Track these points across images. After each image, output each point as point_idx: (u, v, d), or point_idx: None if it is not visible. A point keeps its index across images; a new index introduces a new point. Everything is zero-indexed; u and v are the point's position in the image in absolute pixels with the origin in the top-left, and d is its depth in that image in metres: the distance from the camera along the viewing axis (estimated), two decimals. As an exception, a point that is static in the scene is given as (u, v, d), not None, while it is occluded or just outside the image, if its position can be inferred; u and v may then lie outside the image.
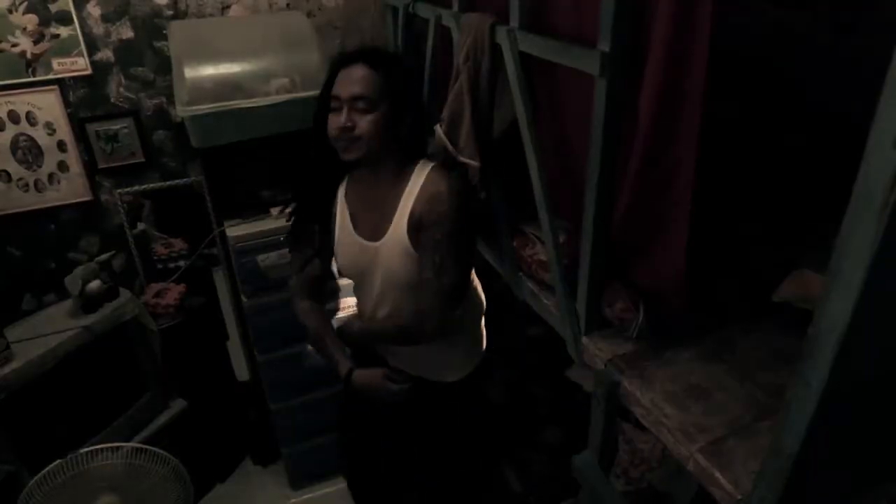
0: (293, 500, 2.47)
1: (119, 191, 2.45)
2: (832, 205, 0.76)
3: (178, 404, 2.38)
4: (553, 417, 2.29)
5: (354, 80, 1.28)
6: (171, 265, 2.47)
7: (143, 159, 2.46)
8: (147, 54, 2.34)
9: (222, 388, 2.54)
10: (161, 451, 1.75)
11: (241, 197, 2.17)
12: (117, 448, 1.73)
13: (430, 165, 1.38)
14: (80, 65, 2.25)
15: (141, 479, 1.72)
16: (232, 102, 1.96)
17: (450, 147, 1.57)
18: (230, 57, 2.04)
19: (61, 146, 2.33)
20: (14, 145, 2.27)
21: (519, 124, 1.38)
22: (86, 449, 1.69)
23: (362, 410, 1.63)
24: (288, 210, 1.51)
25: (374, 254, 1.39)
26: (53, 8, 2.15)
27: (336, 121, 1.28)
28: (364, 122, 1.27)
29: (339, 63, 1.32)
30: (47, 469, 1.62)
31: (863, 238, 0.61)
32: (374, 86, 1.28)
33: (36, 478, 1.61)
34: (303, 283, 1.51)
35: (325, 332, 1.47)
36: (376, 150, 1.30)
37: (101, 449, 1.70)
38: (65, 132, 2.32)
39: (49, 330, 1.98)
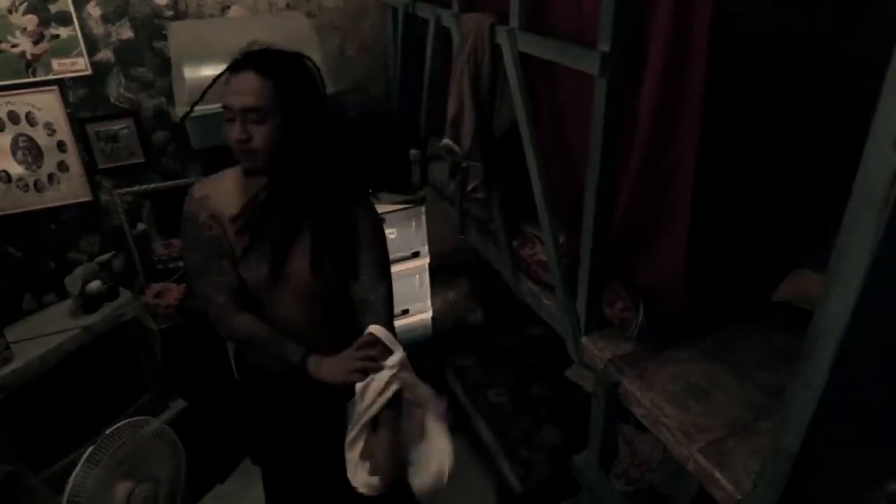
0: (293, 501, 2.47)
1: (119, 191, 2.44)
2: (832, 205, 0.76)
3: (178, 404, 2.38)
4: (553, 417, 2.28)
5: (245, 90, 1.22)
6: (171, 265, 2.47)
7: (143, 159, 2.46)
8: (147, 55, 2.34)
9: (222, 388, 2.54)
10: (143, 418, 1.74)
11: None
12: (139, 425, 1.73)
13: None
14: (80, 65, 2.25)
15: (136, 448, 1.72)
16: (232, 103, 1.96)
17: (455, 148, 1.57)
18: (230, 58, 2.04)
19: (61, 146, 2.33)
20: (14, 146, 2.27)
21: (519, 125, 1.39)
22: (110, 429, 1.67)
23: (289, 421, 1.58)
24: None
25: None
26: (53, 8, 2.15)
27: (231, 132, 1.24)
28: (258, 134, 1.23)
29: (229, 68, 1.25)
30: (85, 457, 1.60)
31: (862, 238, 0.61)
32: (266, 96, 1.22)
33: (77, 469, 1.57)
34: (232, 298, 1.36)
35: (276, 333, 1.35)
36: (273, 161, 1.27)
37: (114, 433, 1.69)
38: (65, 132, 2.31)
39: (49, 330, 1.98)
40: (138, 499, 1.66)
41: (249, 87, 1.22)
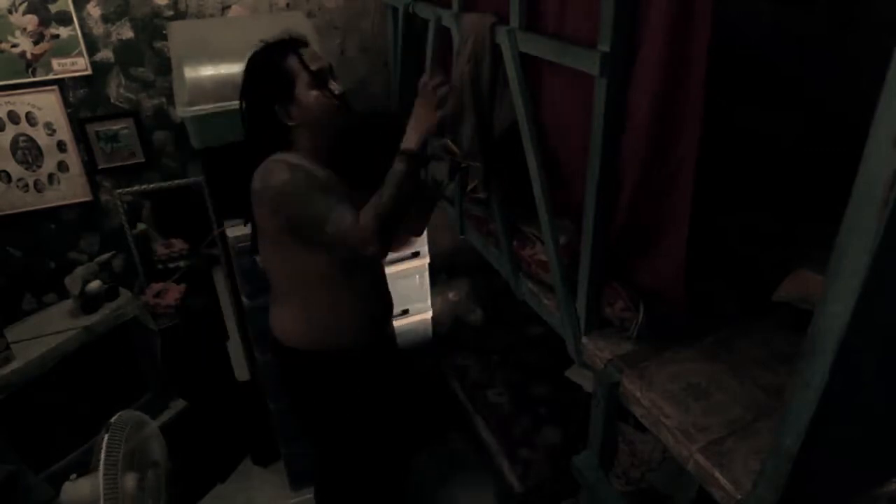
0: (293, 500, 2.46)
1: (119, 191, 2.44)
2: (832, 205, 0.76)
3: (178, 404, 2.38)
4: (553, 417, 2.28)
5: (318, 55, 1.42)
6: (171, 265, 2.47)
7: (143, 159, 2.46)
8: (147, 54, 2.34)
9: (222, 388, 2.54)
10: (128, 411, 1.74)
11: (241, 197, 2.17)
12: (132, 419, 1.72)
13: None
14: (80, 65, 2.25)
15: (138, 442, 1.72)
16: (232, 102, 1.95)
17: (454, 148, 1.57)
18: (230, 57, 2.04)
19: (61, 146, 2.33)
20: (14, 145, 2.27)
21: (519, 125, 1.38)
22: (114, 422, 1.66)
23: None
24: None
25: None
26: (53, 8, 2.15)
27: (333, 88, 1.40)
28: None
29: (290, 46, 1.39)
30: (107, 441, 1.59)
31: (862, 238, 0.61)
32: None
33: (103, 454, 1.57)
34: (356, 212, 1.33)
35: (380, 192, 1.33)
36: None
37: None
38: (65, 132, 2.31)
39: (49, 330, 1.98)
40: (150, 483, 1.67)
41: (319, 53, 1.43)
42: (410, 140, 1.35)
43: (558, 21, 1.23)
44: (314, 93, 1.37)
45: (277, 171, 1.36)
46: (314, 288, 1.49)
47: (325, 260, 1.44)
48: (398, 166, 1.32)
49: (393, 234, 1.31)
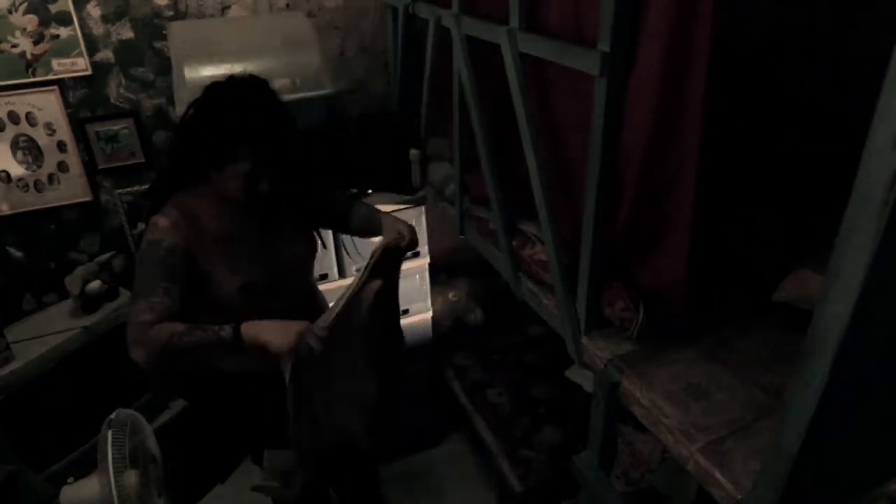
0: (293, 501, 2.46)
1: (119, 191, 2.45)
2: (832, 205, 0.76)
3: (178, 404, 2.38)
4: (553, 417, 2.28)
5: (280, 144, 1.28)
6: (171, 265, 2.47)
7: (143, 159, 2.46)
8: (147, 55, 2.34)
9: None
10: (128, 412, 1.73)
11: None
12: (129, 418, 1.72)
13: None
14: (79, 65, 2.25)
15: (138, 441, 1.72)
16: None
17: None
18: (230, 58, 2.04)
19: (61, 146, 2.33)
20: (14, 146, 2.27)
21: (518, 125, 1.38)
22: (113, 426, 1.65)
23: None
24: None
25: None
26: (53, 8, 2.15)
27: (263, 188, 1.29)
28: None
29: (261, 132, 1.24)
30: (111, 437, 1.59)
31: (862, 238, 0.61)
32: None
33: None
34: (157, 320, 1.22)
35: (192, 324, 1.23)
36: None
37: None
38: (65, 132, 2.31)
39: (49, 330, 1.99)
40: (152, 477, 1.67)
41: (281, 142, 1.28)
42: (250, 333, 1.19)
43: (558, 20, 1.23)
44: (239, 182, 1.27)
45: (157, 226, 1.26)
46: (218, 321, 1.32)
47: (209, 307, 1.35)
48: (223, 332, 1.19)
49: (175, 367, 1.23)
